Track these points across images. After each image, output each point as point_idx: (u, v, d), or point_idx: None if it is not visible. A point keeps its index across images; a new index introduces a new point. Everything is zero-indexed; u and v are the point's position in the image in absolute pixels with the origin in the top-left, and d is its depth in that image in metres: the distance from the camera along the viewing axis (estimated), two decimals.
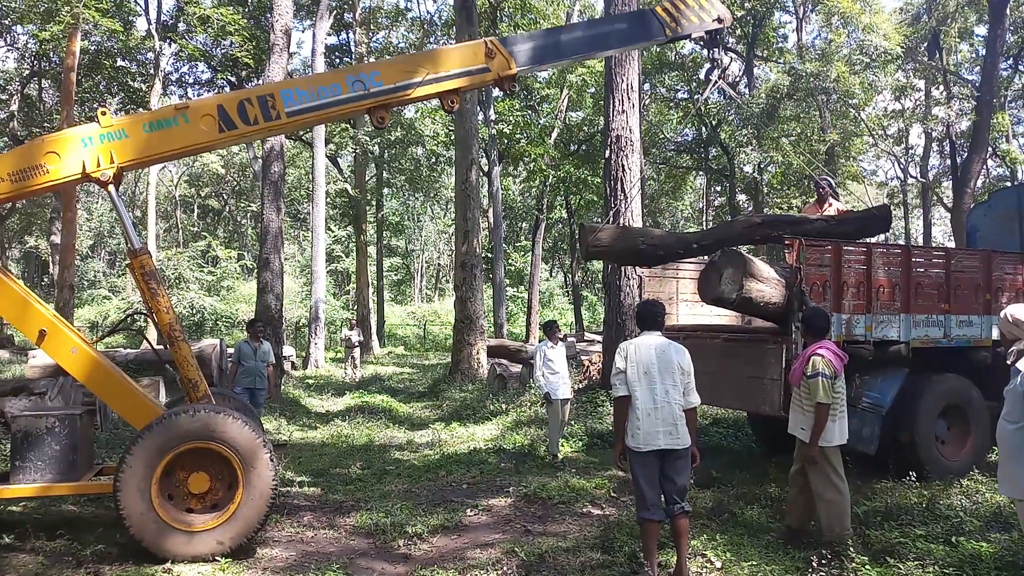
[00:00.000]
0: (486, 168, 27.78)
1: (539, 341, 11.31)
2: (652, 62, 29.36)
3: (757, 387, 7.34)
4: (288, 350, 21.46)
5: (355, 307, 33.92)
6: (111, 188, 6.00)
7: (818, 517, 5.76)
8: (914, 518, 6.10)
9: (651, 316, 5.42)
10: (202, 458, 5.73)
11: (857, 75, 26.82)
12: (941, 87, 32.88)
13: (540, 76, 30.56)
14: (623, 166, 12.20)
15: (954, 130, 29.97)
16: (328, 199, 32.53)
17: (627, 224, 11.84)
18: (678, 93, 33.49)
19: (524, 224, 45.34)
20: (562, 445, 9.74)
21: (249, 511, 5.67)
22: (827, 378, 5.51)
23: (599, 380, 13.10)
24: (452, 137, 25.71)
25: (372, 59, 34.11)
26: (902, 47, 27.91)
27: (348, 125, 29.66)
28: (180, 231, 47.26)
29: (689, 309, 9.46)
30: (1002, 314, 4.38)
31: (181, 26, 28.78)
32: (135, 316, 22.13)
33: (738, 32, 29.15)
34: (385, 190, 39.63)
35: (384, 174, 37.00)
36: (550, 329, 9.79)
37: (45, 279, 30.45)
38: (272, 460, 5.79)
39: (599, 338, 13.34)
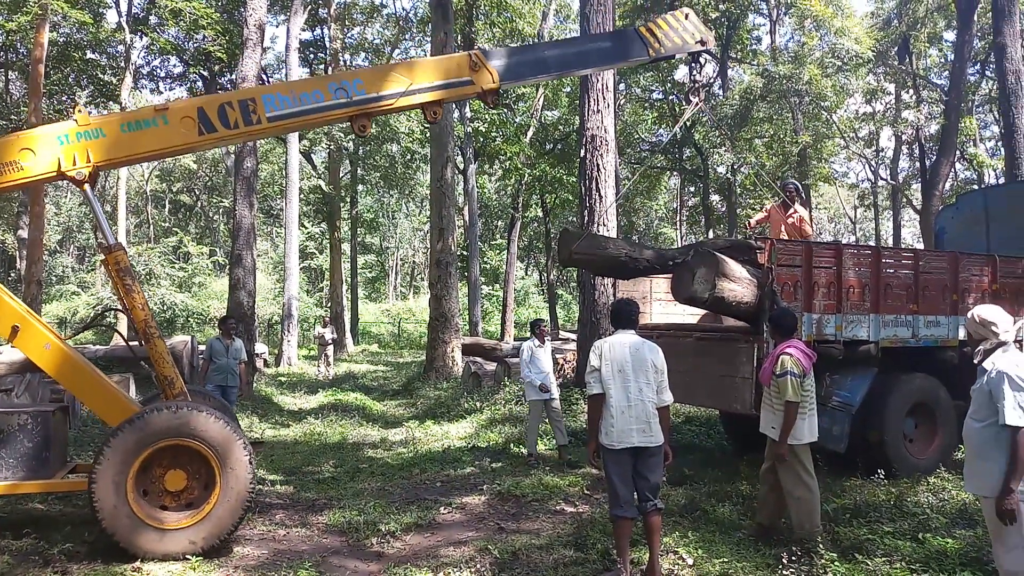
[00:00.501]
0: (461, 166, 27.72)
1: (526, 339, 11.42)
2: None
3: (729, 385, 7.40)
4: (260, 347, 21.30)
5: (329, 304, 33.72)
6: (86, 187, 5.94)
7: (788, 514, 5.83)
8: (882, 515, 6.19)
9: (625, 315, 5.46)
10: (180, 455, 5.69)
11: (829, 78, 27.19)
12: (911, 91, 33.38)
13: None
14: (598, 165, 12.24)
15: (923, 133, 30.40)
16: (302, 195, 32.24)
17: (606, 233, 11.88)
18: (653, 93, 33.70)
19: (499, 222, 45.30)
20: (539, 443, 9.75)
21: (224, 512, 5.63)
22: (796, 376, 5.59)
23: (573, 378, 13.13)
24: (427, 134, 25.64)
25: (347, 55, 33.94)
26: (873, 51, 28.32)
27: None
28: (151, 227, 46.57)
29: (663, 308, 9.51)
30: (969, 314, 4.46)
31: (152, 19, 28.37)
32: (107, 312, 21.87)
33: (713, 34, 29.33)
34: (360, 187, 39.40)
35: (359, 171, 36.78)
36: (537, 328, 9.84)
37: (12, 274, 29.89)
38: (251, 464, 5.75)
39: (574, 336, 13.37)
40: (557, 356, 15.64)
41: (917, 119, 30.81)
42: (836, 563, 5.12)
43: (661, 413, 5.19)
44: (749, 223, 10.10)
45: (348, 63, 34.37)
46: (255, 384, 15.92)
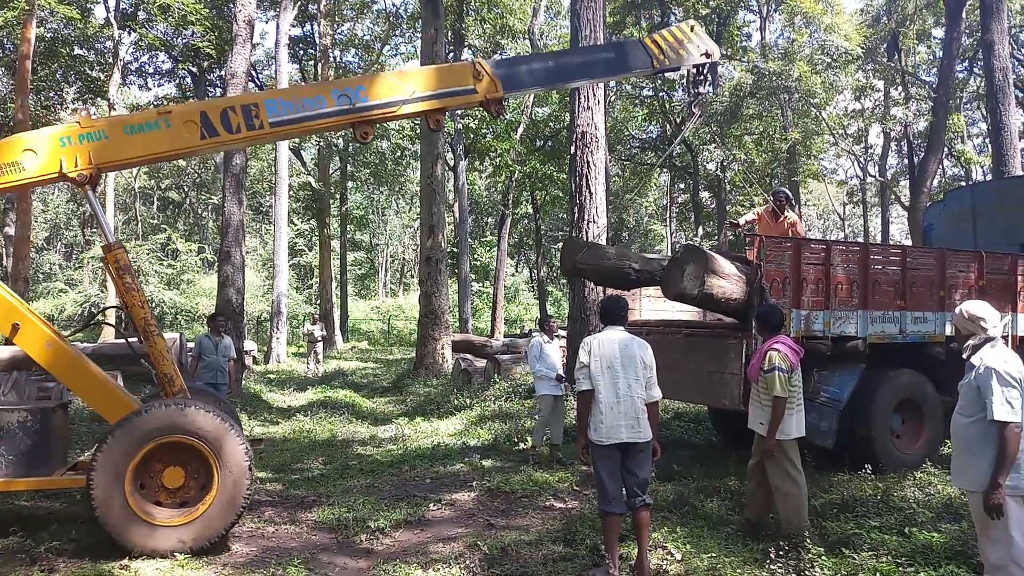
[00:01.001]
0: (452, 162, 27.69)
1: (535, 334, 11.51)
2: None
3: (718, 381, 7.42)
4: (250, 344, 21.22)
5: (318, 301, 33.61)
6: (88, 189, 5.94)
7: (776, 510, 5.86)
8: (869, 510, 6.22)
9: (614, 311, 5.47)
10: (179, 453, 5.68)
11: (818, 75, 27.28)
12: (899, 88, 33.51)
13: None
14: (588, 162, 12.25)
15: (911, 130, 30.57)
16: (291, 192, 32.12)
17: (596, 231, 11.90)
18: (643, 90, 33.70)
19: (490, 219, 45.29)
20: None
21: (217, 514, 5.61)
22: (783, 372, 5.61)
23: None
24: (417, 131, 25.58)
25: (336, 51, 33.82)
26: (862, 48, 28.42)
27: None
28: (139, 223, 46.27)
29: (651, 304, 9.53)
30: (958, 310, 4.50)
31: (141, 14, 28.20)
32: (107, 310, 21.73)
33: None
34: (349, 183, 39.30)
35: (348, 167, 36.66)
36: (546, 323, 9.89)
37: None
38: (251, 470, 5.73)
39: (563, 333, 13.39)
40: None
41: (905, 116, 30.98)
42: (823, 558, 5.15)
43: (650, 409, 5.21)
44: (738, 221, 10.06)
45: (338, 59, 34.27)
46: (244, 382, 15.87)
